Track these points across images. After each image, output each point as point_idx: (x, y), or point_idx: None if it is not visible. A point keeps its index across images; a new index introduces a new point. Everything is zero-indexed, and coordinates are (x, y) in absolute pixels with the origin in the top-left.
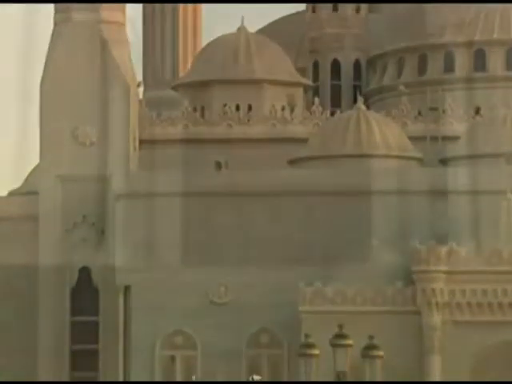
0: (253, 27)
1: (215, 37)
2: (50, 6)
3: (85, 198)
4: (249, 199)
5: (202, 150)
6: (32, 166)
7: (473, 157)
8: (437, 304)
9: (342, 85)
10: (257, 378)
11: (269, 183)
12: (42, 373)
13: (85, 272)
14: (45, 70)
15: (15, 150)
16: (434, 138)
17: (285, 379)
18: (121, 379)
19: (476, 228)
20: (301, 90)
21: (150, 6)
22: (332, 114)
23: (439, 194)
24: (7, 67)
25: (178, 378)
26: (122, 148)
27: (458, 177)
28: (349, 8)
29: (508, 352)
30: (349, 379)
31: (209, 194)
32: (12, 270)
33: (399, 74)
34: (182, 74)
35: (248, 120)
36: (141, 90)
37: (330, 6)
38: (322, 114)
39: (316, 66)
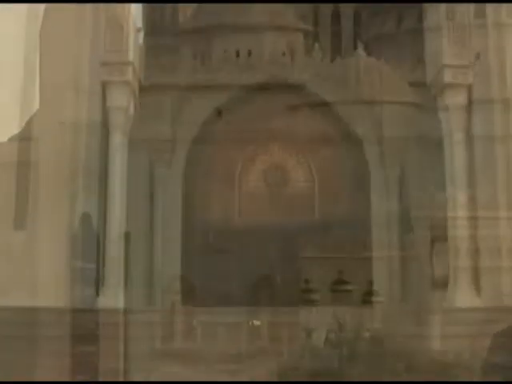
0: None
1: None
2: None
3: (85, 146)
4: (250, 145)
5: (202, 97)
6: (31, 113)
7: (471, 103)
8: (436, 250)
9: (343, 31)
10: (257, 323)
11: (269, 129)
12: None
13: (86, 219)
14: (44, 17)
15: (15, 96)
16: (433, 85)
17: (285, 325)
18: (120, 328)
19: (474, 174)
20: (301, 35)
21: None
22: (332, 60)
23: (438, 140)
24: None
25: (178, 324)
26: (122, 94)
27: (456, 123)
28: None
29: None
30: (348, 325)
31: (209, 140)
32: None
33: (399, 20)
34: (182, 20)
35: (248, 66)
36: (141, 36)
37: None
38: (322, 60)
39: (316, 11)
